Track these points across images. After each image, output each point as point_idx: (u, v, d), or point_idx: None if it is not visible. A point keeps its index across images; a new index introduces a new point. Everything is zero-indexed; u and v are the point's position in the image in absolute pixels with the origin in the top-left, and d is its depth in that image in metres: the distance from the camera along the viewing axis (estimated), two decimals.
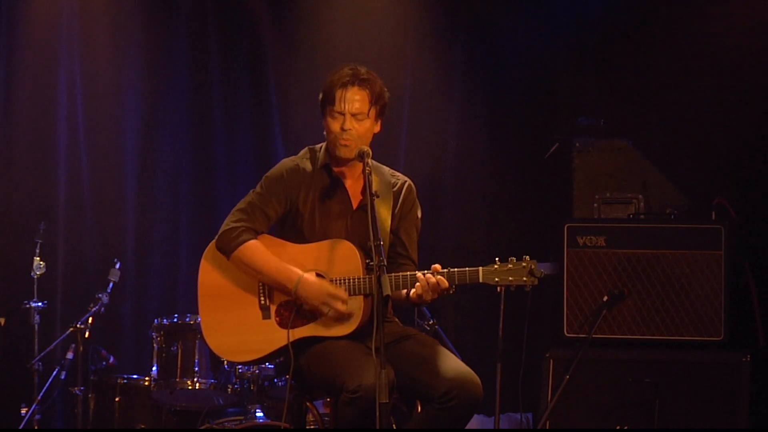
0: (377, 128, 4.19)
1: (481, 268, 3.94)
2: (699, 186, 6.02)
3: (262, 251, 4.11)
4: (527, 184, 6.85)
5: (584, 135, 6.02)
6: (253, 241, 4.11)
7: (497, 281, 3.93)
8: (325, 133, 4.19)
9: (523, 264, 3.94)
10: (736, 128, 6.18)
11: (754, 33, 6.17)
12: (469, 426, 4.04)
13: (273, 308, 4.12)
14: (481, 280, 3.94)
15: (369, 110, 4.12)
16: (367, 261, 3.92)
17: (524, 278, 3.93)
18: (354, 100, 4.10)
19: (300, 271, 4.06)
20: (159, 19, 6.95)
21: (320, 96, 4.18)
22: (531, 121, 6.87)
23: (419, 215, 4.31)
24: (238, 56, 7.08)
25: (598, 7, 6.75)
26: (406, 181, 4.30)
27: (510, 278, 3.93)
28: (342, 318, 4.04)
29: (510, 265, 3.94)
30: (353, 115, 4.10)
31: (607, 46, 6.69)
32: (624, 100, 6.51)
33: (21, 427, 5.92)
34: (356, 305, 4.03)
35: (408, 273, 4.00)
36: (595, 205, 5.87)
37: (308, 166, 4.21)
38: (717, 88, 6.24)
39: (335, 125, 4.12)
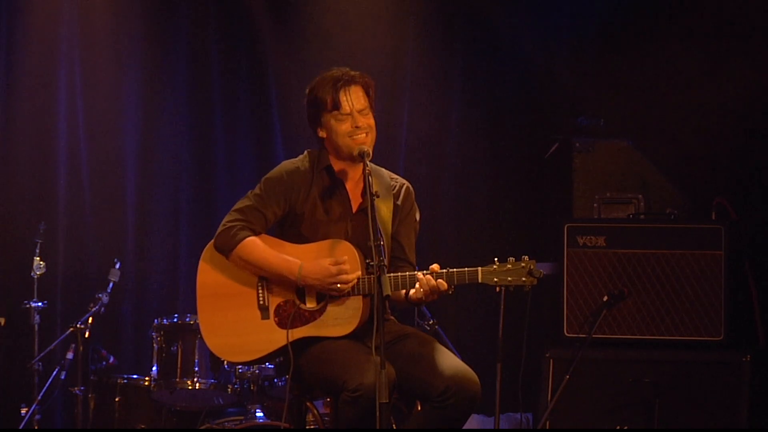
0: None
1: (480, 269, 3.94)
2: (699, 186, 6.01)
3: (262, 246, 4.09)
4: (527, 184, 6.84)
5: (584, 135, 6.02)
6: (251, 238, 4.10)
7: (496, 281, 3.93)
8: (328, 138, 4.16)
9: (522, 264, 3.94)
10: (736, 128, 6.16)
11: (753, 32, 6.16)
12: (469, 426, 4.04)
13: (272, 308, 4.11)
14: (480, 281, 3.94)
15: (369, 104, 4.15)
16: (367, 261, 3.91)
17: (523, 278, 3.93)
18: (357, 97, 4.12)
19: (299, 261, 4.06)
20: (159, 19, 6.95)
21: (312, 108, 4.16)
22: (531, 121, 6.86)
23: (417, 218, 4.31)
24: (238, 56, 7.08)
25: (597, 7, 6.74)
26: (404, 184, 4.30)
27: (509, 278, 3.93)
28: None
29: (509, 266, 3.94)
30: (359, 111, 4.12)
31: (607, 46, 6.67)
32: (624, 100, 6.50)
33: (21, 427, 5.92)
34: (355, 305, 4.03)
35: (407, 273, 4.00)
36: (595, 205, 5.86)
37: (308, 168, 4.20)
38: (717, 87, 6.23)
39: (345, 126, 4.10)
